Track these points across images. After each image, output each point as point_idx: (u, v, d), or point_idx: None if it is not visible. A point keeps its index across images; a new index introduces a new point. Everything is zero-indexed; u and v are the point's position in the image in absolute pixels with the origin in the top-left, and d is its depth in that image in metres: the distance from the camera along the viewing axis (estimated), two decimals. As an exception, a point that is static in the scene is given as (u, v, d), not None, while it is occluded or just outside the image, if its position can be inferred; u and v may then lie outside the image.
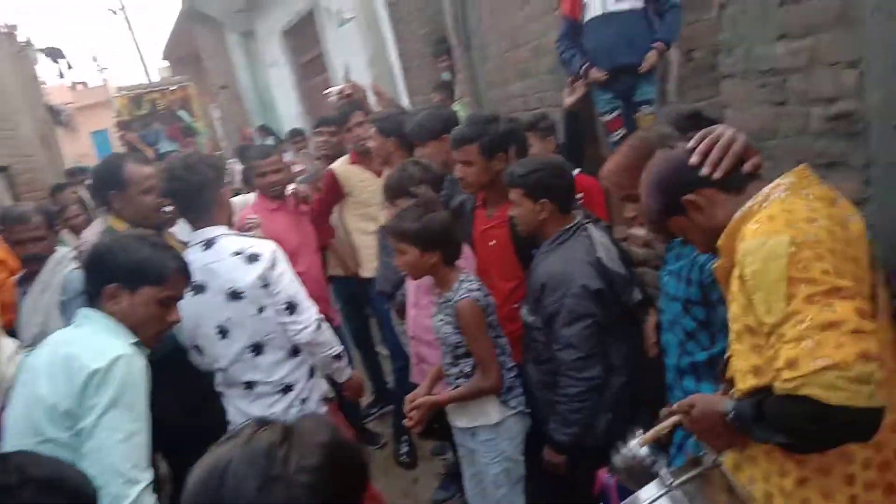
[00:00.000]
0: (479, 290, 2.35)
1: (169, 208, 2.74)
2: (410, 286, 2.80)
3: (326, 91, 4.65)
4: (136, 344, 1.78)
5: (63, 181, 7.28)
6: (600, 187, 2.96)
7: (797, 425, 1.17)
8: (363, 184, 3.83)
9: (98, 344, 1.71)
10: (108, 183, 2.71)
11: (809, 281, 1.16)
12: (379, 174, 3.77)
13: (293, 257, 2.67)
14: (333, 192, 3.87)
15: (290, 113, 10.23)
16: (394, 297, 3.19)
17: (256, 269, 2.33)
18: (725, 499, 1.44)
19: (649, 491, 1.49)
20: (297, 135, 6.96)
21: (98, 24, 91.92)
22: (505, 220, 2.61)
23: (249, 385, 2.42)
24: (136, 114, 10.89)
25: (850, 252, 1.23)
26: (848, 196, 1.73)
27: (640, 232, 2.80)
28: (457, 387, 2.40)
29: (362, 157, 3.85)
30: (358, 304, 4.23)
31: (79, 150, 18.03)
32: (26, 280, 2.99)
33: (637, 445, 1.66)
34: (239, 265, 2.34)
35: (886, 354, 1.24)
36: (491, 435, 2.41)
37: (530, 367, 2.41)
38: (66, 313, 2.71)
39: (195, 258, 2.29)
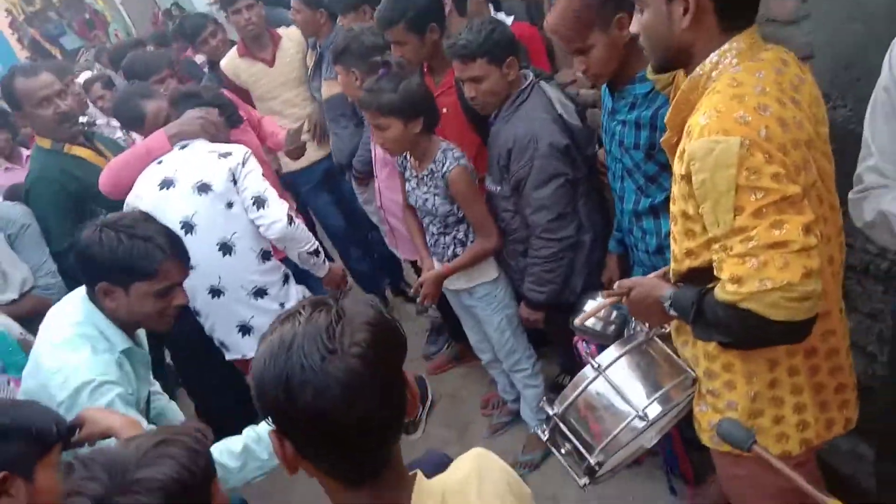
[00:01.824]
0: (463, 156, 2.25)
1: (83, 119, 2.51)
2: (378, 163, 2.69)
3: None
4: (126, 350, 1.67)
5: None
6: (539, 35, 2.78)
7: (736, 331, 1.18)
8: (254, 78, 3.43)
9: (71, 366, 1.57)
10: (8, 104, 2.48)
11: (759, 190, 1.08)
12: (270, 63, 3.42)
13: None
14: (236, 91, 3.42)
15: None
16: (351, 167, 3.08)
17: (228, 164, 2.22)
18: (666, 366, 1.49)
19: (603, 358, 1.51)
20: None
21: None
22: (453, 86, 2.44)
23: (216, 292, 2.28)
24: (31, 9, 9.64)
25: (801, 135, 1.15)
26: (787, 15, 1.68)
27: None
28: (455, 255, 2.36)
29: (251, 47, 3.40)
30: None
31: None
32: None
33: (580, 322, 1.68)
34: (211, 159, 2.24)
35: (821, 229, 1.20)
36: (489, 290, 2.42)
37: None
38: (19, 246, 2.52)
39: (168, 157, 2.28)
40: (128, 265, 1.61)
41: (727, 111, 1.11)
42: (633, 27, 1.28)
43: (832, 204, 1.28)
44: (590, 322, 1.77)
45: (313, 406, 0.75)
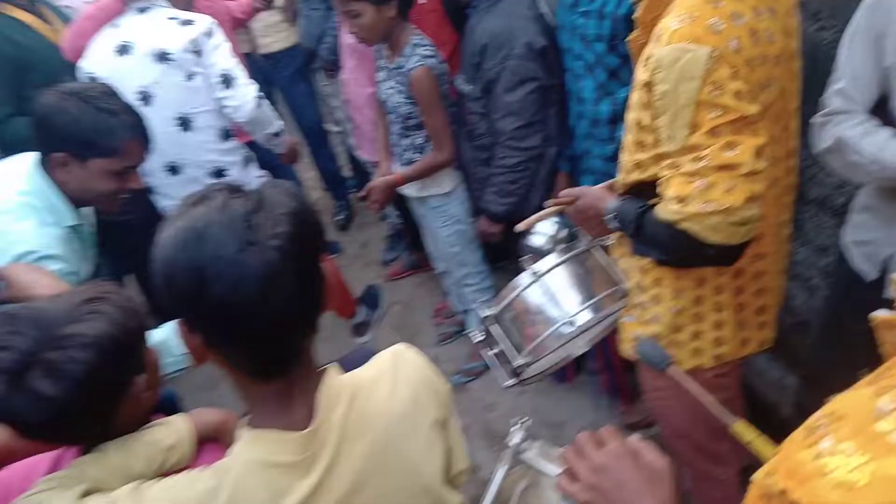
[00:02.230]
0: (433, 56, 2.10)
1: None
2: (346, 52, 2.56)
3: None
4: (74, 227, 1.58)
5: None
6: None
7: (672, 249, 1.18)
8: None
9: (13, 235, 1.48)
10: None
11: (718, 107, 1.05)
12: None
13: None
14: None
15: None
16: (317, 54, 2.93)
17: (189, 33, 2.07)
18: (601, 277, 1.49)
19: (541, 265, 1.49)
20: None
21: None
22: (433, -25, 2.30)
23: (173, 168, 2.20)
24: None
25: (770, 50, 1.10)
26: None
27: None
28: (409, 161, 2.28)
29: None
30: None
31: None
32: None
33: (522, 227, 1.61)
34: (171, 27, 2.08)
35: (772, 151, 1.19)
36: (441, 202, 2.36)
37: (464, 144, 2.25)
38: None
39: (126, 21, 2.12)
40: (90, 139, 1.53)
41: (701, 16, 1.06)
42: None
43: (786, 125, 1.25)
44: (539, 242, 1.74)
45: (227, 299, 0.71)
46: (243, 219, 0.72)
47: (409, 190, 2.39)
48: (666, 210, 1.13)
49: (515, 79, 1.96)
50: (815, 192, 1.70)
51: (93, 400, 0.91)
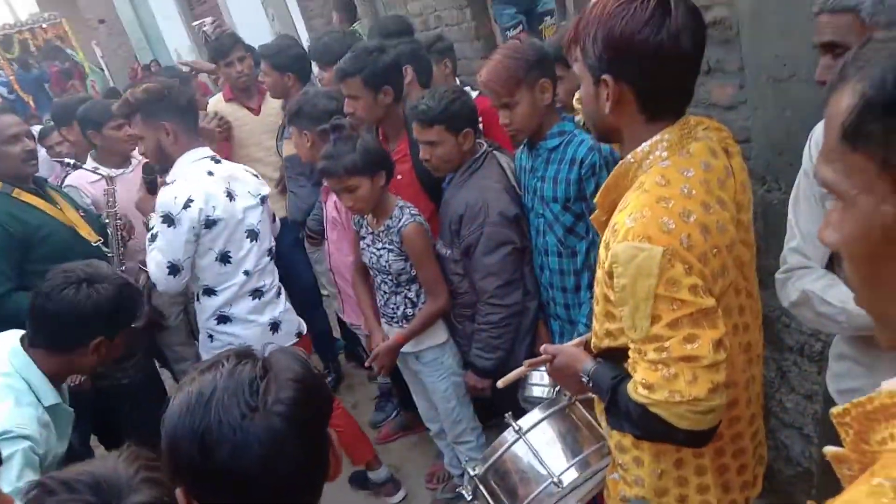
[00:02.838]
0: (419, 214, 2.27)
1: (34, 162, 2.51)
2: (329, 224, 2.71)
3: (197, 23, 4.24)
4: (53, 406, 1.63)
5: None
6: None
7: (643, 427, 1.21)
8: (239, 122, 3.52)
9: None
10: None
11: (676, 301, 1.10)
12: (256, 112, 3.53)
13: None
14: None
15: (181, 46, 9.39)
16: (304, 224, 3.09)
17: (266, 188, 2.54)
18: (586, 432, 1.52)
19: (524, 421, 1.53)
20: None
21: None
22: (408, 153, 2.49)
23: (258, 292, 2.45)
24: (8, 56, 9.73)
25: (722, 240, 1.15)
26: (726, 101, 1.78)
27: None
28: (405, 315, 2.34)
29: (239, 94, 3.54)
30: None
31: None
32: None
33: (503, 384, 1.62)
34: (254, 176, 2.53)
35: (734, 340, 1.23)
36: (436, 354, 2.38)
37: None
38: None
39: (215, 169, 2.38)
40: (127, 310, 1.69)
41: (652, 216, 1.11)
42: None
43: (749, 291, 1.30)
44: (537, 392, 1.76)
45: (229, 466, 0.71)
46: (249, 384, 0.74)
47: (406, 346, 2.40)
48: (636, 393, 1.16)
49: (492, 243, 2.08)
50: (792, 339, 1.74)
51: None
